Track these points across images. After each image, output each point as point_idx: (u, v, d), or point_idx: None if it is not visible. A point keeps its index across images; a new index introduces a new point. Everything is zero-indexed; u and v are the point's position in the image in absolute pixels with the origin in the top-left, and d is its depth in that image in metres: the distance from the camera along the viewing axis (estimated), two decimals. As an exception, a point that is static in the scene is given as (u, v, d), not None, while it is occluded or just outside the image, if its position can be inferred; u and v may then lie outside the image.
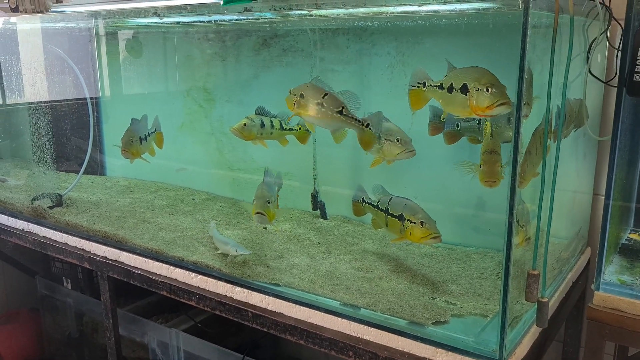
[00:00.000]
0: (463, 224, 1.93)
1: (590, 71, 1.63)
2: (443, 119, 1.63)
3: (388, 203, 1.63)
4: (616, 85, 1.74)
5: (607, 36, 1.71)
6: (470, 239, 1.90)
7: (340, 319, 1.47)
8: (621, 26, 1.70)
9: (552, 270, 1.55)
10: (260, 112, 1.93)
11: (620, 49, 1.57)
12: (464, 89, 1.28)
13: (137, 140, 2.11)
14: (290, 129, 1.92)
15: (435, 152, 1.71)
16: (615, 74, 1.76)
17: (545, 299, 1.30)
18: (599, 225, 1.89)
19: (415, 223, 1.51)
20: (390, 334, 1.39)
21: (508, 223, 1.20)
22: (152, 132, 2.20)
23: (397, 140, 1.58)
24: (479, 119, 1.55)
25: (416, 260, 1.81)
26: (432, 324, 1.41)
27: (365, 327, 1.43)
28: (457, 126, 1.63)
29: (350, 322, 1.46)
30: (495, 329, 1.30)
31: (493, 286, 1.62)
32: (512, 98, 1.19)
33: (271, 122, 1.90)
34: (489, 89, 1.22)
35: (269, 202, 1.75)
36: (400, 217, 1.56)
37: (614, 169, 1.37)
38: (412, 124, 1.90)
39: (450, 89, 1.33)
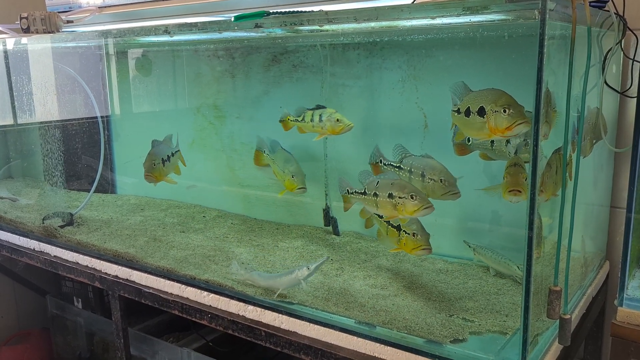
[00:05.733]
0: (478, 239, 1.90)
1: (606, 82, 1.61)
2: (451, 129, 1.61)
3: None
4: (633, 95, 1.73)
5: (621, 46, 1.69)
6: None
7: (355, 337, 1.44)
8: (636, 36, 1.68)
9: (572, 286, 1.52)
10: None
11: (638, 59, 1.54)
12: (481, 112, 1.28)
13: (159, 163, 2.10)
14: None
15: (450, 165, 1.68)
16: (631, 84, 1.74)
17: (568, 316, 1.27)
18: (618, 238, 1.87)
19: (409, 234, 1.54)
20: (407, 353, 1.36)
21: (528, 238, 1.17)
22: (175, 152, 2.19)
23: (441, 181, 1.51)
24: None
25: (431, 276, 1.78)
26: (450, 342, 1.37)
27: (382, 345, 1.40)
28: (468, 140, 1.61)
29: (366, 340, 1.42)
30: (516, 347, 1.26)
31: (511, 302, 1.58)
32: (530, 109, 1.17)
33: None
34: (507, 109, 1.23)
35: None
36: (398, 228, 1.58)
37: (635, 181, 1.34)
38: (425, 138, 1.90)
39: (468, 113, 1.33)
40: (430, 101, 1.87)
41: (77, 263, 2.12)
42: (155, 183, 2.14)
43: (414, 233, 1.54)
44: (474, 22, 1.44)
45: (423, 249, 1.53)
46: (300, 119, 1.95)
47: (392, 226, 1.61)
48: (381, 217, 1.67)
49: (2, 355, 2.84)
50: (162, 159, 2.12)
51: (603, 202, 1.85)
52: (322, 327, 1.50)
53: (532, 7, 1.10)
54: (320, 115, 1.87)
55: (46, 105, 2.53)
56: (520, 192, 1.34)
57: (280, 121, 2.04)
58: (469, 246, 1.85)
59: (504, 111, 1.23)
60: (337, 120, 1.81)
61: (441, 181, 1.51)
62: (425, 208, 1.45)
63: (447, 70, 1.82)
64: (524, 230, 1.18)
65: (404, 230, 1.56)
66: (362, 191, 1.65)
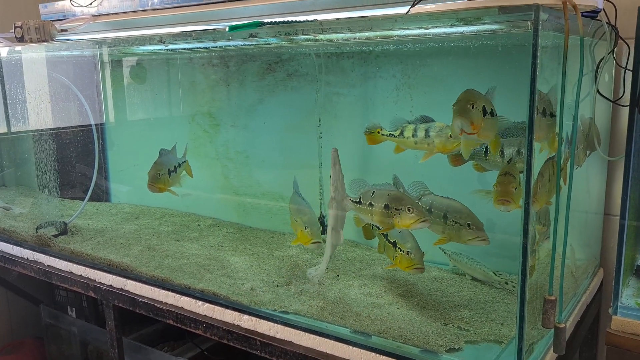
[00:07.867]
0: (474, 247, 1.90)
1: (598, 90, 1.62)
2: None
3: None
4: (625, 104, 1.74)
5: (614, 55, 1.70)
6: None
7: (351, 347, 1.44)
8: (628, 45, 1.70)
9: (567, 294, 1.52)
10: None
11: (630, 68, 1.55)
12: None
13: (165, 174, 2.05)
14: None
15: (446, 174, 1.69)
16: (624, 93, 1.75)
17: (563, 325, 1.27)
18: (612, 246, 1.88)
19: (403, 252, 1.54)
20: (403, 363, 1.36)
21: (522, 246, 1.17)
22: (182, 162, 2.15)
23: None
24: (486, 148, 1.53)
25: (426, 284, 1.78)
26: (446, 351, 1.37)
27: (377, 355, 1.40)
28: None
29: (362, 350, 1.42)
30: (512, 356, 1.26)
31: (506, 310, 1.58)
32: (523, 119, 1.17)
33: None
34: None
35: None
36: (394, 244, 1.58)
37: (629, 189, 1.35)
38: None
39: None
40: (424, 110, 1.87)
41: (71, 272, 2.11)
42: (161, 192, 2.10)
43: (408, 251, 1.53)
44: (468, 32, 1.45)
45: (416, 268, 1.53)
46: (397, 133, 1.64)
47: (389, 242, 1.60)
48: (376, 227, 1.67)
49: (-5, 365, 2.82)
50: (169, 169, 2.08)
51: (597, 209, 1.86)
52: (318, 337, 1.49)
53: (525, 18, 1.11)
54: (426, 130, 1.56)
55: (40, 113, 2.52)
56: (509, 201, 1.35)
57: (366, 133, 1.75)
58: (445, 252, 1.85)
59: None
60: (451, 136, 1.52)
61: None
62: (422, 221, 1.45)
63: (441, 79, 1.83)
64: (519, 238, 1.18)
65: (399, 248, 1.55)
66: (357, 200, 1.65)
